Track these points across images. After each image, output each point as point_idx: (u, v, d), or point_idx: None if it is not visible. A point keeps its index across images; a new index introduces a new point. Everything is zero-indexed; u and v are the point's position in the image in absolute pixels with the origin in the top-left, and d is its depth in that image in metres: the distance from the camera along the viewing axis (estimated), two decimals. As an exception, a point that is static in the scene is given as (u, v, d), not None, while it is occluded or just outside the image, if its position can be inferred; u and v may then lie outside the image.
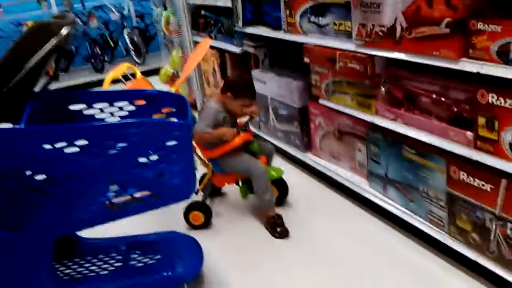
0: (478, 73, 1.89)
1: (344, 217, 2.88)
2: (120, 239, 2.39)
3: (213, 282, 2.40)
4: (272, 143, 3.42)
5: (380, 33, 2.34)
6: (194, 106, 5.33)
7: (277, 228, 2.75)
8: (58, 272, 2.12)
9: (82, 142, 1.79)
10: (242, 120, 2.93)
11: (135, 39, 7.63)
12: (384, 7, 2.26)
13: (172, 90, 2.96)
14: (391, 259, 2.45)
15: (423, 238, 2.47)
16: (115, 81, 3.20)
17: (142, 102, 2.29)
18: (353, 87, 2.70)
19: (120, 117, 2.28)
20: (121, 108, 2.28)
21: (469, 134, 2.02)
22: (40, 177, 1.78)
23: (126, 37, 7.66)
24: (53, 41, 1.82)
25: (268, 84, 3.58)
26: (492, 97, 1.87)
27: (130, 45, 7.63)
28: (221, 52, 4.41)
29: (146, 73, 5.81)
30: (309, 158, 3.32)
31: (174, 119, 2.22)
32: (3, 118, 1.81)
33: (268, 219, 2.80)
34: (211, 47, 4.64)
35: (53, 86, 7.06)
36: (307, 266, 2.47)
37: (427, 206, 2.36)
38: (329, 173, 3.14)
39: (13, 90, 1.80)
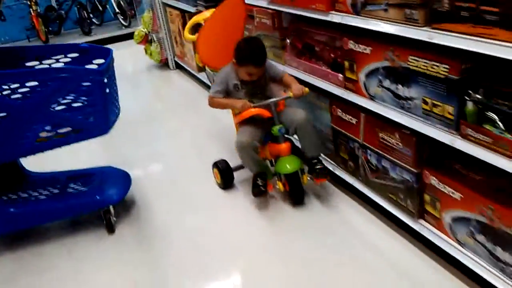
0: (341, 23, 2.23)
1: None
2: (61, 173, 2.82)
3: (140, 207, 2.82)
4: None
5: (281, -10, 2.66)
6: (166, 65, 5.70)
7: (253, 188, 2.57)
8: (6, 198, 2.55)
9: (4, 86, 2.21)
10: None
11: (121, 3, 7.94)
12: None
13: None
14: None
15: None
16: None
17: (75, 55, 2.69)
18: (269, 40, 3.03)
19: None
20: (57, 60, 2.68)
21: (341, 76, 2.37)
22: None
23: (113, 1, 7.97)
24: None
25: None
26: (351, 43, 2.21)
27: (116, 9, 7.94)
28: (183, 12, 4.73)
29: (131, 35, 6.14)
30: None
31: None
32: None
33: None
34: (174, 7, 4.97)
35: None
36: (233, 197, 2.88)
37: (324, 142, 2.73)
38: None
39: None
